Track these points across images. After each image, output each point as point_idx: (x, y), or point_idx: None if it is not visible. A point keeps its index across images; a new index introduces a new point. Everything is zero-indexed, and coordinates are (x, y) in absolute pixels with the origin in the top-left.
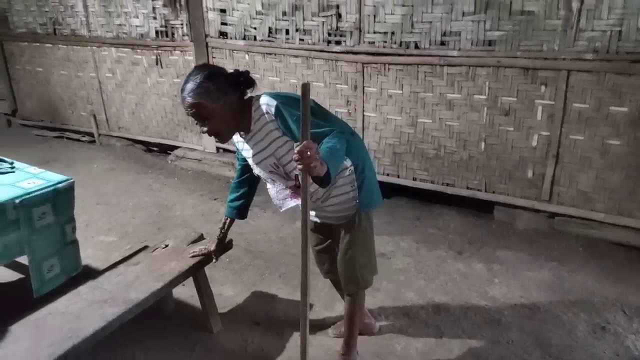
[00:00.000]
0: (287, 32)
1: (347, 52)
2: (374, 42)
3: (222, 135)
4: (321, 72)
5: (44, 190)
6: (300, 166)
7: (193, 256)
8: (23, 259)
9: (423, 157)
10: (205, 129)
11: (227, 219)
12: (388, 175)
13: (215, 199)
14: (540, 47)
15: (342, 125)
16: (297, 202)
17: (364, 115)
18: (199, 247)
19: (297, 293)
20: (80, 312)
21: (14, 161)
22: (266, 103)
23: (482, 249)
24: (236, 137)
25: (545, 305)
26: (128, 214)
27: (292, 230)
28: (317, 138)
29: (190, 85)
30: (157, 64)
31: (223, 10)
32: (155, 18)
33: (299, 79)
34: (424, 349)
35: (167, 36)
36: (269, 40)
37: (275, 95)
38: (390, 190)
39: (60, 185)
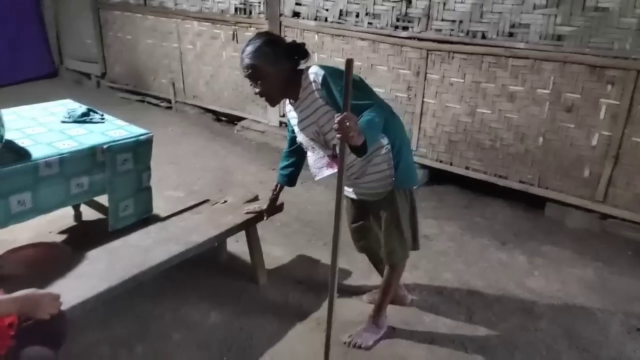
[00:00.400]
0: (357, 15)
1: (413, 38)
2: (440, 30)
3: (272, 99)
4: (386, 56)
5: (127, 140)
6: (339, 135)
7: (247, 212)
8: (103, 200)
9: (478, 147)
10: (257, 90)
11: (277, 184)
12: (441, 162)
13: (273, 169)
14: (610, 45)
15: (382, 103)
16: (332, 171)
17: (423, 102)
18: (253, 206)
19: (339, 260)
20: (148, 247)
21: (104, 113)
22: (314, 72)
23: (527, 242)
24: (288, 106)
25: (582, 302)
26: (195, 175)
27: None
28: (357, 109)
29: (250, 48)
30: (233, 39)
31: None
32: None
33: (363, 61)
34: (451, 325)
35: (244, 13)
36: (339, 22)
37: (324, 67)
38: (442, 177)
39: (141, 137)
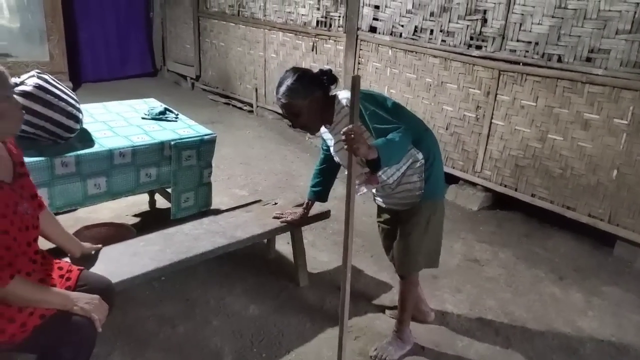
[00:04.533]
0: (432, 32)
1: (486, 58)
2: (515, 51)
3: (310, 129)
4: (457, 75)
5: (193, 139)
6: (346, 146)
7: (275, 217)
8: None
9: (546, 175)
10: (296, 124)
11: (309, 200)
12: (506, 186)
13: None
14: None
15: (415, 123)
16: (370, 188)
17: (491, 123)
18: (287, 211)
19: (382, 274)
20: (198, 236)
21: (179, 113)
22: (346, 97)
23: (587, 279)
24: (322, 128)
25: (638, 351)
26: (261, 176)
27: None
28: (383, 133)
29: (282, 88)
30: (312, 49)
31: (377, 7)
32: (318, 9)
33: (434, 78)
34: (484, 353)
35: (325, 26)
36: (413, 39)
37: None
38: (504, 202)
39: (205, 137)
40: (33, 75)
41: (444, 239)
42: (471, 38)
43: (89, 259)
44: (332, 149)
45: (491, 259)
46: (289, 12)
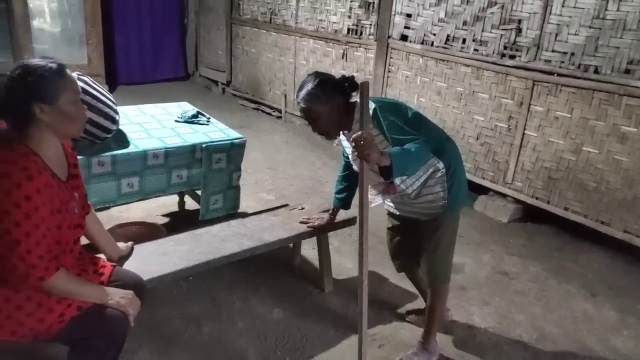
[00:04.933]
0: (464, 41)
1: (520, 68)
2: (550, 61)
3: (329, 134)
4: (489, 84)
5: (223, 142)
6: (356, 152)
7: (301, 222)
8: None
9: (580, 188)
10: (315, 129)
11: (334, 208)
12: (537, 199)
13: None
14: None
15: (436, 133)
16: (386, 198)
17: (524, 134)
18: (314, 217)
19: (407, 282)
20: (226, 238)
21: (211, 117)
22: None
23: (621, 297)
24: (341, 136)
25: None
26: (288, 181)
27: None
28: (401, 143)
29: (303, 92)
30: (342, 57)
31: (409, 15)
32: (349, 17)
33: (465, 87)
34: None
35: (355, 34)
36: (445, 47)
37: (375, 100)
38: (536, 215)
39: (236, 141)
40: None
41: (472, 250)
42: (505, 47)
43: (122, 257)
44: (350, 156)
45: (521, 272)
46: (321, 20)
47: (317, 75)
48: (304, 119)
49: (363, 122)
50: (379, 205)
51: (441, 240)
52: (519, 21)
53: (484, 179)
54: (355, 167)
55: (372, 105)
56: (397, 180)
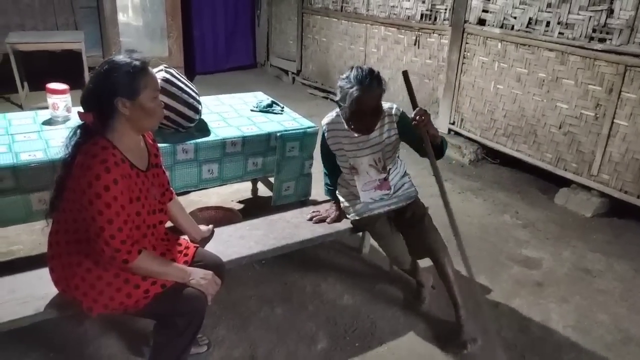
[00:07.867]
0: (548, 24)
1: (610, 52)
2: None
3: (372, 128)
4: (574, 70)
5: (297, 131)
6: (422, 125)
7: (311, 217)
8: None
9: None
10: (369, 123)
11: (334, 201)
12: (626, 192)
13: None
14: None
15: None
16: (383, 192)
17: (613, 122)
18: (325, 208)
19: (481, 276)
20: (299, 224)
21: (284, 106)
22: (394, 106)
23: None
24: (336, 137)
25: None
26: None
27: (497, 221)
28: (415, 141)
29: (375, 93)
30: (415, 44)
31: None
32: (423, 2)
33: (548, 73)
34: None
35: (429, 19)
36: (526, 31)
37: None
38: (624, 210)
39: (309, 129)
40: (161, 70)
41: (551, 245)
42: (594, 30)
43: (204, 239)
44: (354, 152)
45: (605, 270)
46: (393, 6)
47: (372, 71)
48: (361, 111)
49: (414, 102)
50: (372, 198)
51: (425, 214)
52: (611, 1)
53: (566, 170)
54: (350, 163)
55: (399, 106)
56: (390, 176)
